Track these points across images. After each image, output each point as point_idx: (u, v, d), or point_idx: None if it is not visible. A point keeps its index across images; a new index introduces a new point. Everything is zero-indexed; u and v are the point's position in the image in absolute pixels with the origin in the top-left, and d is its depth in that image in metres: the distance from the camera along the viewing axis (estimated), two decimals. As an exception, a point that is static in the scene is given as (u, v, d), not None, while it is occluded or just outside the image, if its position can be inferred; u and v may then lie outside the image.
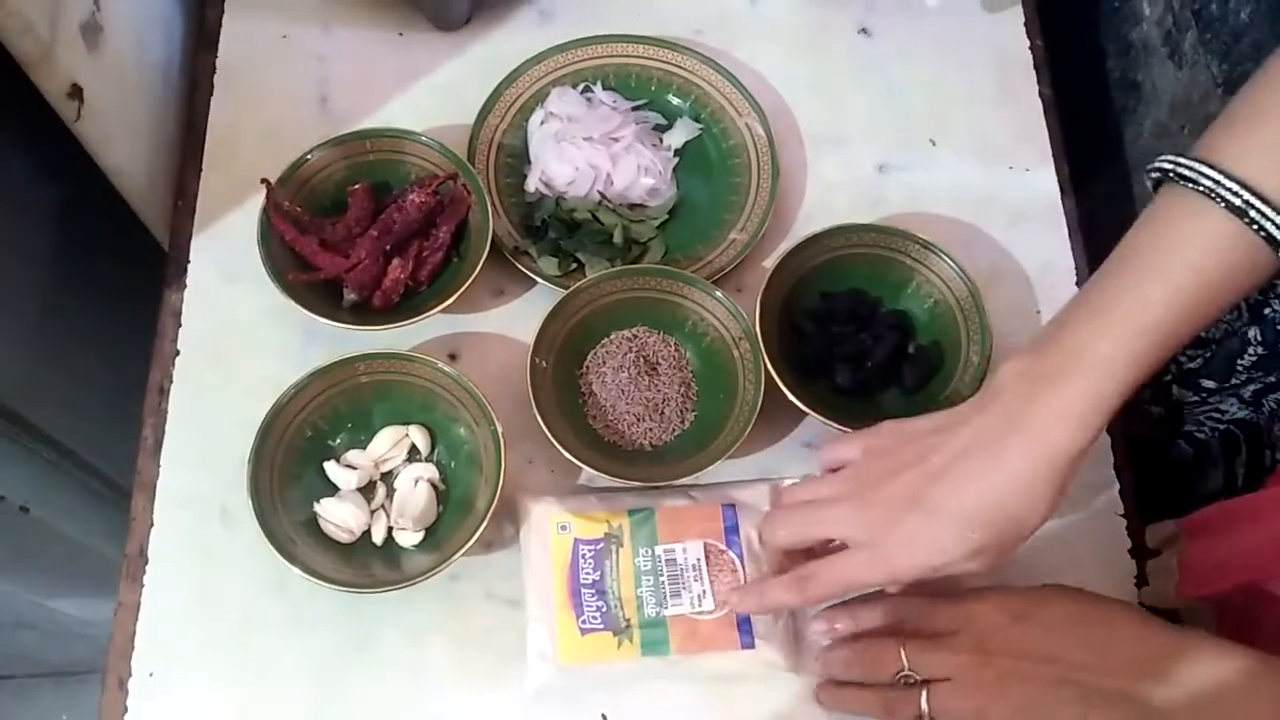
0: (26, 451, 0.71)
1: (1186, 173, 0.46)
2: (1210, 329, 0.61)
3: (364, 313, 0.64)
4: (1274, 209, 0.45)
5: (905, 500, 0.49)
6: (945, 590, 0.54)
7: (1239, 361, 0.56)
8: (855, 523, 0.50)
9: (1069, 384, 0.47)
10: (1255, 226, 0.45)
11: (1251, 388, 0.59)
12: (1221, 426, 0.62)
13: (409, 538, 0.59)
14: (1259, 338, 0.55)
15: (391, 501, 0.60)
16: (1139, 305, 0.47)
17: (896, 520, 0.49)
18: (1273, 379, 0.58)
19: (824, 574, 0.51)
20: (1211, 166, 0.46)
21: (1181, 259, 0.46)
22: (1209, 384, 0.59)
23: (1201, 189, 0.46)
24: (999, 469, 0.47)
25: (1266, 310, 0.58)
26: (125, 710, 0.56)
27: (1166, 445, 0.63)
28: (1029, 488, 0.47)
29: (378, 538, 0.59)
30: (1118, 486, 0.64)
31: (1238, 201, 0.45)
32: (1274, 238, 0.45)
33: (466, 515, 0.58)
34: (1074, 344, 0.47)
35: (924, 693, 0.51)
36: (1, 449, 0.68)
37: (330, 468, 0.60)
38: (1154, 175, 0.49)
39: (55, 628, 0.98)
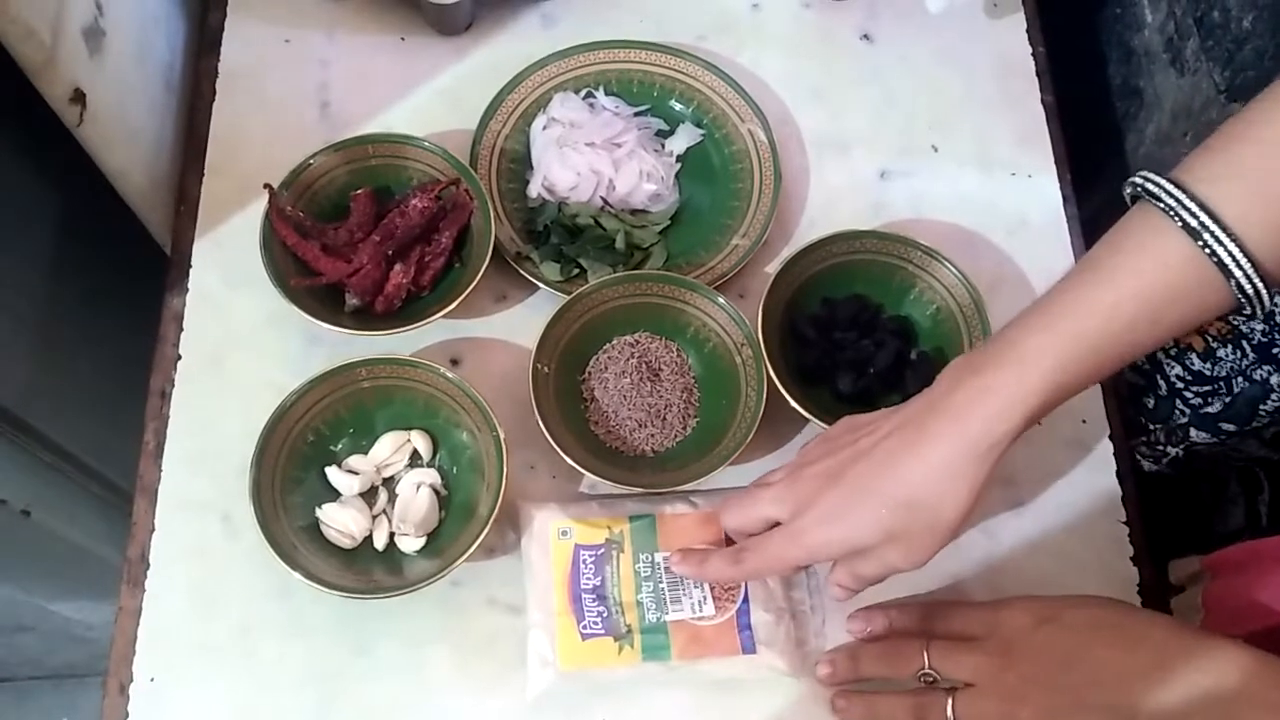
0: (28, 455, 0.71)
1: (1153, 189, 0.47)
2: (1215, 368, 0.61)
3: (366, 318, 0.64)
4: (1230, 236, 0.45)
5: (826, 478, 0.50)
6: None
7: (1261, 406, 0.56)
8: (780, 500, 0.52)
9: (994, 373, 0.47)
10: (1208, 250, 0.45)
11: (1273, 429, 0.59)
12: (1240, 464, 0.62)
13: (411, 543, 0.59)
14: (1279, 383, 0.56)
15: (393, 507, 0.60)
16: (1079, 308, 0.47)
17: (816, 496, 0.50)
18: None
19: (755, 548, 0.53)
20: (1178, 185, 0.46)
21: (1131, 271, 0.47)
22: (1229, 427, 0.58)
23: (1164, 206, 0.46)
24: (916, 449, 0.48)
25: (1276, 350, 0.58)
26: (126, 715, 0.56)
27: (1184, 483, 0.63)
28: (944, 471, 0.47)
29: (379, 543, 0.59)
30: (1120, 493, 0.64)
31: (1194, 223, 0.45)
32: (1224, 264, 0.45)
33: (468, 521, 0.58)
34: (1010, 339, 0.48)
35: (949, 700, 0.51)
36: (3, 453, 0.68)
37: (332, 473, 0.60)
38: (1128, 190, 0.49)
39: (55, 631, 0.97)
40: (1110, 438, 0.65)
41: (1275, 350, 0.59)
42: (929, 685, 0.53)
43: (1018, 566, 0.62)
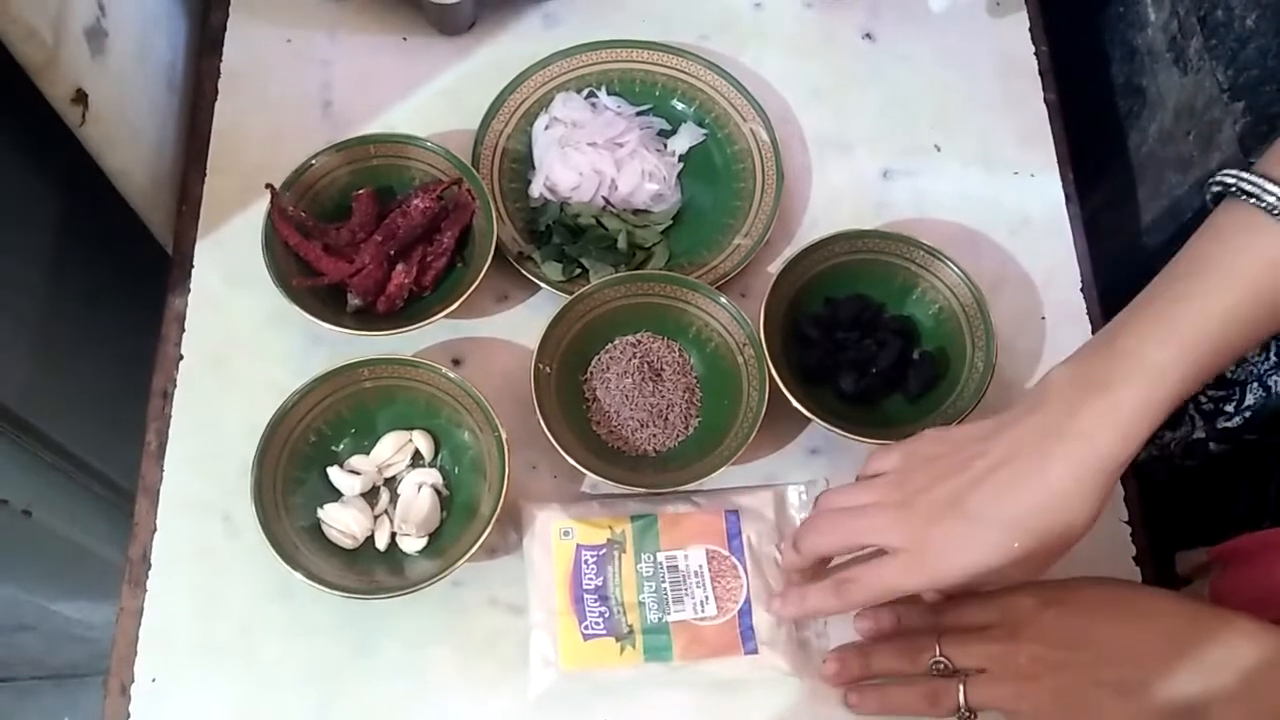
0: (29, 455, 0.71)
1: (1249, 188, 0.46)
2: (1236, 371, 0.61)
3: (368, 318, 0.63)
4: None
5: (946, 506, 0.49)
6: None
7: None
8: (896, 528, 0.50)
9: (1118, 390, 0.46)
10: None
11: None
12: (1250, 451, 0.62)
13: (412, 543, 0.59)
14: None
15: (395, 507, 0.60)
16: (1196, 316, 0.46)
17: (937, 526, 0.48)
18: None
19: (865, 579, 0.51)
20: (1274, 182, 0.45)
21: (1243, 274, 0.46)
22: (1251, 437, 0.58)
23: (1264, 205, 0.46)
24: (1042, 475, 0.47)
25: None
26: (128, 715, 0.56)
27: (1192, 472, 0.63)
28: (1072, 494, 0.46)
29: (381, 543, 0.59)
30: (1122, 493, 0.64)
31: None
32: None
33: (470, 521, 0.58)
34: (1125, 351, 0.47)
35: (961, 686, 0.51)
36: (4, 453, 0.68)
37: (334, 473, 0.60)
38: (1214, 189, 0.48)
39: (56, 630, 0.98)
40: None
41: None
42: (941, 674, 0.53)
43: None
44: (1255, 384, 0.59)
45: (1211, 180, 0.48)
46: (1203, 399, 0.62)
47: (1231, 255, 0.47)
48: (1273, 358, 0.59)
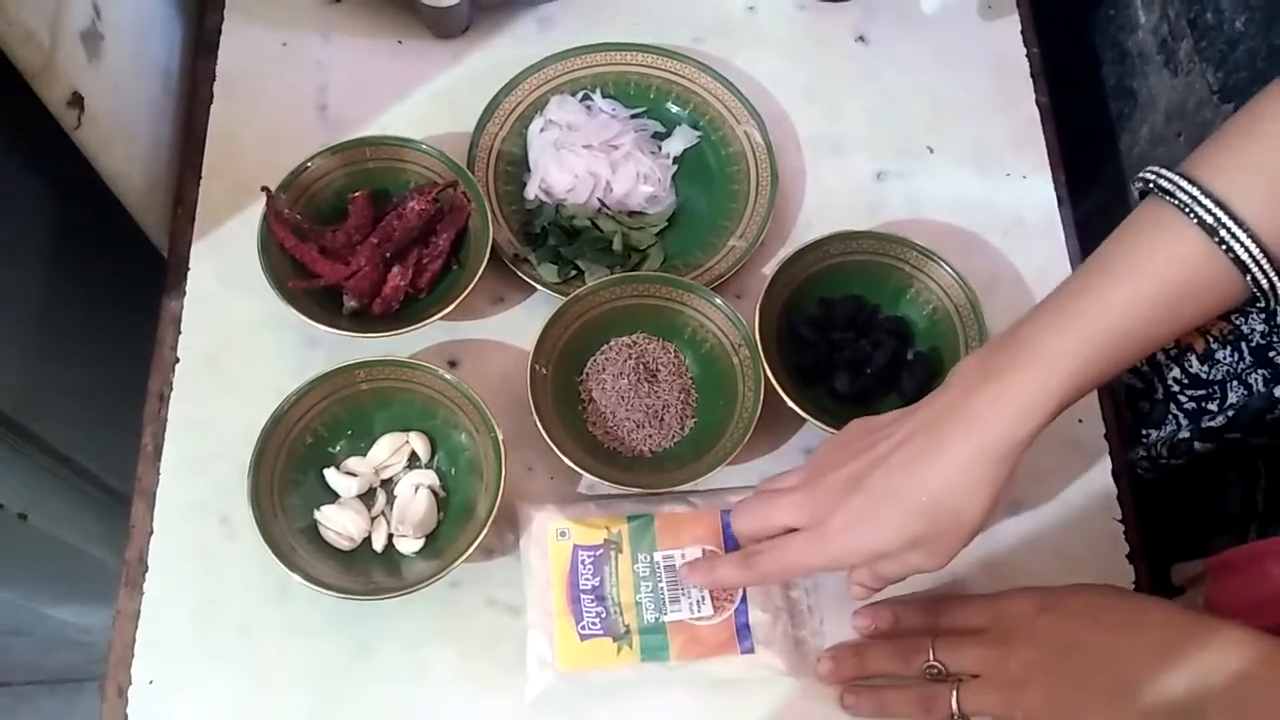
0: (25, 459, 0.70)
1: (1167, 185, 0.47)
2: (1212, 371, 0.61)
3: (364, 320, 0.64)
4: (1246, 232, 0.45)
5: (847, 484, 0.50)
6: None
7: (1268, 416, 0.57)
8: (801, 507, 0.51)
9: (1013, 375, 0.47)
10: (1224, 247, 0.45)
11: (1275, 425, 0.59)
12: (1238, 453, 0.63)
13: (409, 545, 0.59)
14: None
15: (392, 508, 0.60)
16: (1096, 308, 0.47)
17: (838, 503, 0.50)
18: None
19: (769, 554, 0.52)
20: (1191, 181, 0.46)
21: (1146, 268, 0.47)
22: (1235, 435, 0.59)
23: (1177, 202, 0.46)
24: (937, 454, 0.48)
25: (1272, 353, 0.58)
26: (125, 718, 0.56)
27: (1179, 472, 0.63)
28: (966, 474, 0.47)
29: (378, 545, 0.59)
30: (1116, 491, 0.64)
31: (1210, 219, 0.45)
32: (1241, 261, 0.45)
33: (467, 522, 0.58)
34: (1025, 339, 0.48)
35: (954, 691, 0.51)
36: (0, 457, 0.68)
37: (330, 475, 0.60)
38: (1139, 185, 0.49)
39: (52, 635, 0.97)
40: (1106, 436, 0.66)
41: (1272, 354, 0.59)
42: (934, 678, 0.53)
43: (1015, 565, 0.62)
44: (1235, 383, 0.59)
45: (1137, 176, 0.49)
46: (1183, 398, 0.63)
47: (1140, 251, 0.47)
48: (1249, 356, 0.60)
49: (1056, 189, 0.73)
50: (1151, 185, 0.48)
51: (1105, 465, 0.65)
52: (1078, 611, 0.51)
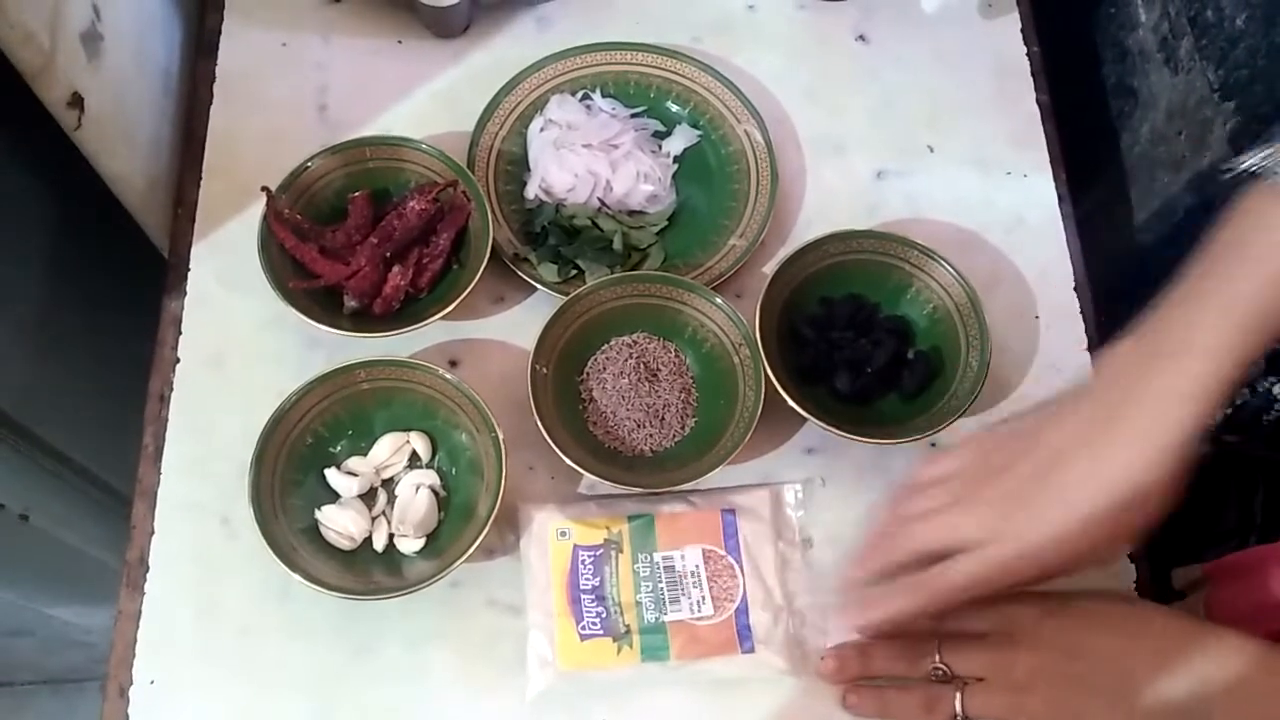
0: (26, 459, 0.71)
1: None
2: None
3: (364, 320, 0.64)
4: None
5: (1016, 493, 0.48)
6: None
7: (1265, 417, 0.56)
8: (965, 521, 0.49)
9: (1185, 359, 0.45)
10: None
11: (1275, 434, 0.59)
12: (1236, 465, 0.63)
13: (410, 544, 0.59)
14: None
15: (392, 508, 0.60)
16: (1240, 288, 0.45)
17: (1017, 511, 0.47)
18: None
19: (948, 575, 0.49)
20: None
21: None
22: (1231, 438, 0.58)
23: None
24: (1112, 457, 0.46)
25: None
26: (127, 718, 0.56)
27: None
28: (1140, 472, 0.45)
29: (379, 545, 0.59)
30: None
31: None
32: None
33: (467, 522, 0.58)
34: (1183, 326, 0.46)
35: (958, 694, 0.51)
36: (1, 457, 0.68)
37: (331, 475, 0.60)
38: (1243, 173, 0.47)
39: (54, 635, 0.97)
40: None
41: None
42: (939, 680, 0.53)
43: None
44: (1246, 389, 0.59)
45: (1239, 163, 0.47)
46: None
47: (1270, 232, 0.46)
48: (1261, 363, 0.60)
49: (1057, 187, 0.73)
50: (1266, 170, 0.46)
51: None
52: (1081, 616, 0.51)
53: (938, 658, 0.53)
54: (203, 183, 0.69)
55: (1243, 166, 0.48)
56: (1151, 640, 0.48)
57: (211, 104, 0.72)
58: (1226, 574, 0.56)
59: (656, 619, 0.57)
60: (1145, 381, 0.46)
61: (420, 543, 0.59)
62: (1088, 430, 0.47)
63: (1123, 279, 0.72)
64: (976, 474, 0.50)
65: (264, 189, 0.63)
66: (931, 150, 0.74)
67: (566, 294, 0.63)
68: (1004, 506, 0.48)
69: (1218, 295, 0.46)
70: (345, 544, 0.59)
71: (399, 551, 0.59)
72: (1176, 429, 0.45)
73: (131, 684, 0.57)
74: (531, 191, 0.69)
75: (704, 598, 0.58)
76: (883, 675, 0.56)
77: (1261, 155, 0.47)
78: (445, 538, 0.59)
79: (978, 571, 0.49)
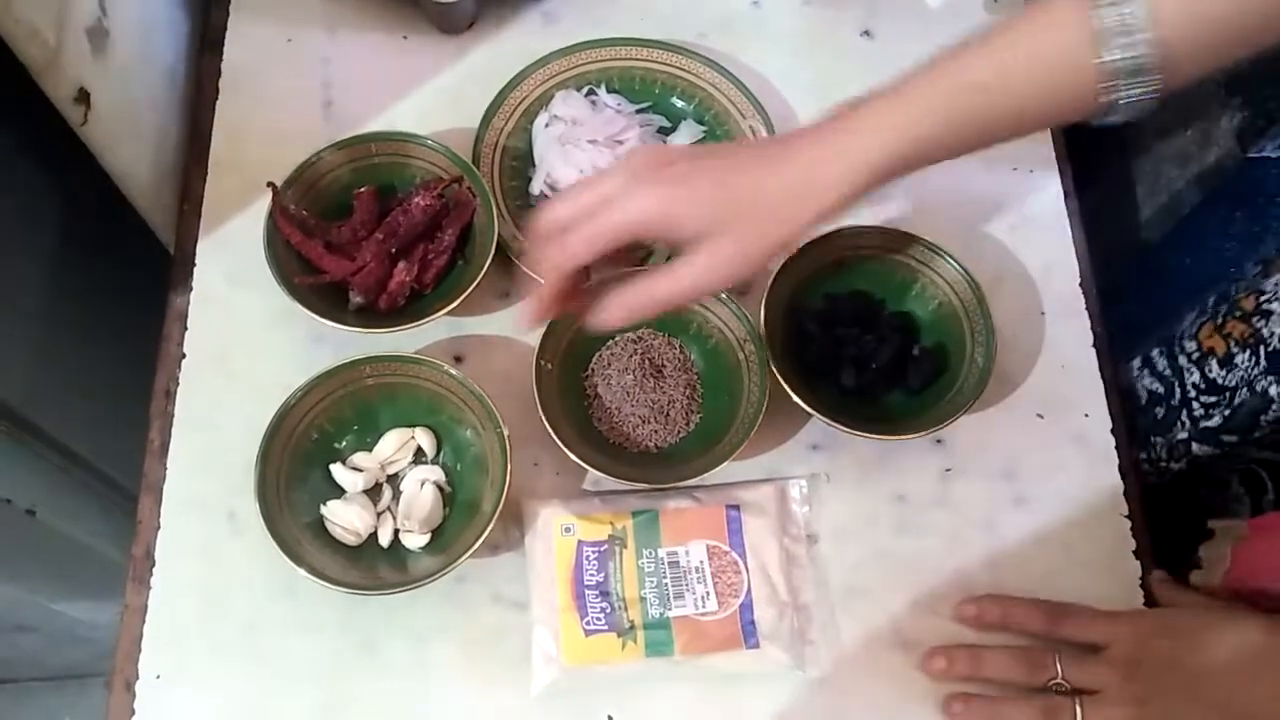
0: (32, 455, 0.71)
1: None
2: (1229, 376, 0.62)
3: (369, 316, 0.64)
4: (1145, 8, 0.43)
5: (681, 170, 0.49)
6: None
7: (1263, 417, 0.57)
8: (689, 210, 0.49)
9: (864, 110, 0.48)
10: (1111, 28, 0.44)
11: (1274, 435, 0.59)
12: (1242, 467, 0.63)
13: (415, 540, 0.59)
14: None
15: (398, 504, 0.60)
16: (956, 67, 0.48)
17: (669, 179, 0.49)
18: None
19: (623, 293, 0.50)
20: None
21: (1024, 40, 0.47)
22: (1230, 438, 0.59)
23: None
24: (776, 168, 0.48)
25: None
26: (132, 713, 0.56)
27: (1186, 492, 0.64)
28: (797, 187, 0.48)
29: (384, 540, 0.59)
30: (1123, 487, 0.64)
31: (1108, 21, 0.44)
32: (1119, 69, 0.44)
33: (473, 517, 0.58)
34: (879, 109, 0.48)
35: (1079, 708, 0.53)
36: (8, 452, 0.68)
37: (336, 470, 0.60)
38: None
39: (58, 631, 0.98)
40: (1112, 432, 0.65)
41: None
42: (1059, 693, 0.55)
43: (1021, 560, 0.62)
44: (1246, 389, 0.59)
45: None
46: (1196, 405, 0.64)
47: (1033, 27, 0.47)
48: (1264, 361, 0.60)
49: (1063, 183, 0.73)
50: None
51: (1112, 461, 0.65)
52: (1186, 633, 0.53)
53: (1059, 671, 0.55)
54: (208, 178, 0.69)
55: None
56: (1263, 653, 0.50)
57: (217, 100, 0.72)
58: (1267, 529, 0.57)
59: (661, 614, 0.57)
60: (845, 115, 0.49)
61: (425, 538, 0.59)
62: (765, 145, 0.50)
63: (1128, 275, 0.72)
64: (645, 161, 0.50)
65: (270, 184, 0.63)
66: (937, 146, 0.74)
67: (571, 290, 0.63)
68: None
69: (946, 71, 0.48)
70: (350, 539, 0.59)
71: (404, 547, 0.60)
72: (853, 162, 0.48)
73: (137, 678, 0.57)
74: (536, 187, 0.69)
75: (708, 593, 0.58)
76: (994, 680, 0.57)
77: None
78: (450, 533, 0.59)
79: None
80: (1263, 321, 0.60)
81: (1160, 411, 0.65)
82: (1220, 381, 0.62)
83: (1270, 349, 0.59)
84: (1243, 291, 0.61)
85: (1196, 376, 0.63)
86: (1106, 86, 0.45)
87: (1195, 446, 0.61)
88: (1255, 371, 0.60)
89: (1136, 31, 0.44)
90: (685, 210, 0.48)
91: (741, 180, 0.49)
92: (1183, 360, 0.64)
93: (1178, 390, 0.65)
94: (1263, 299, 0.59)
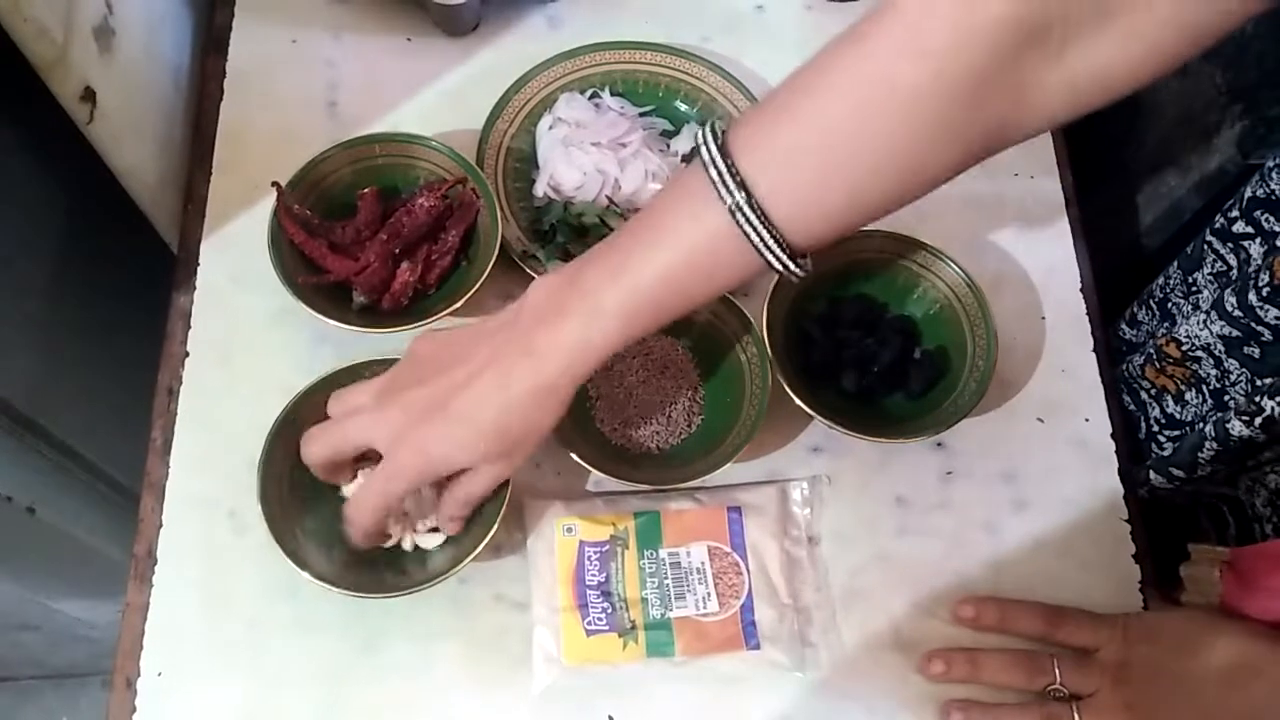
0: (34, 453, 0.71)
1: (705, 156, 0.47)
2: (1184, 412, 0.63)
3: (373, 315, 0.64)
4: (760, 218, 0.46)
5: (427, 407, 0.51)
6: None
7: (1199, 454, 0.58)
8: (379, 424, 0.53)
9: (567, 322, 0.50)
10: (743, 230, 0.46)
11: (1223, 472, 0.60)
12: (1206, 501, 0.63)
13: (430, 540, 0.59)
14: (1213, 433, 0.57)
15: (414, 505, 0.60)
16: (641, 266, 0.49)
17: (419, 423, 0.51)
18: (1236, 466, 0.59)
19: (370, 484, 0.53)
20: (725, 155, 0.46)
21: (684, 236, 0.48)
22: (1178, 473, 0.60)
23: (710, 178, 0.46)
24: (507, 388, 0.50)
25: (1226, 397, 0.60)
26: (134, 710, 0.56)
27: (1153, 521, 0.64)
28: (529, 406, 0.51)
29: (406, 545, 0.59)
30: (1123, 490, 0.64)
31: (730, 202, 0.46)
32: (757, 246, 0.47)
33: (476, 519, 0.58)
34: (585, 287, 0.50)
35: (1075, 715, 0.54)
36: (9, 450, 0.68)
37: (339, 470, 0.60)
38: (697, 137, 0.48)
39: (58, 630, 0.98)
40: (1112, 436, 0.66)
41: (1225, 398, 0.60)
42: (1057, 698, 0.56)
43: (1021, 563, 0.62)
44: (1201, 424, 0.60)
45: (703, 127, 0.48)
46: (1162, 438, 0.64)
47: (680, 219, 0.48)
48: (1209, 399, 0.61)
49: (1064, 190, 0.73)
50: (698, 148, 0.48)
51: (1112, 465, 0.65)
52: (1174, 638, 0.54)
53: (1058, 676, 0.55)
54: (213, 178, 0.69)
55: (696, 135, 0.48)
56: (1250, 661, 0.51)
57: (222, 100, 0.72)
58: (1248, 557, 0.57)
59: (662, 615, 0.58)
60: (539, 332, 0.50)
61: (428, 539, 0.59)
62: (492, 365, 0.51)
63: (1129, 281, 0.72)
64: (401, 379, 0.54)
65: (274, 184, 0.63)
66: (939, 151, 0.74)
67: (574, 291, 0.63)
68: (413, 415, 0.52)
69: (622, 266, 0.49)
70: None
71: (406, 549, 0.59)
72: (551, 380, 0.50)
73: (139, 676, 0.57)
74: (540, 189, 0.69)
75: (709, 594, 0.58)
76: (992, 685, 0.57)
77: (705, 134, 0.47)
78: (454, 535, 0.59)
79: (382, 482, 0.53)
80: (1195, 364, 0.61)
81: (1141, 434, 0.66)
82: (1177, 416, 0.63)
83: (1211, 388, 0.60)
84: (1163, 337, 0.62)
85: (1157, 412, 0.64)
86: (768, 263, 0.48)
87: (1152, 476, 0.62)
88: (1205, 408, 0.61)
89: (761, 227, 0.46)
90: (457, 462, 0.53)
91: (499, 417, 0.51)
92: (1144, 395, 0.65)
93: (1143, 424, 0.65)
94: (1184, 346, 0.61)
